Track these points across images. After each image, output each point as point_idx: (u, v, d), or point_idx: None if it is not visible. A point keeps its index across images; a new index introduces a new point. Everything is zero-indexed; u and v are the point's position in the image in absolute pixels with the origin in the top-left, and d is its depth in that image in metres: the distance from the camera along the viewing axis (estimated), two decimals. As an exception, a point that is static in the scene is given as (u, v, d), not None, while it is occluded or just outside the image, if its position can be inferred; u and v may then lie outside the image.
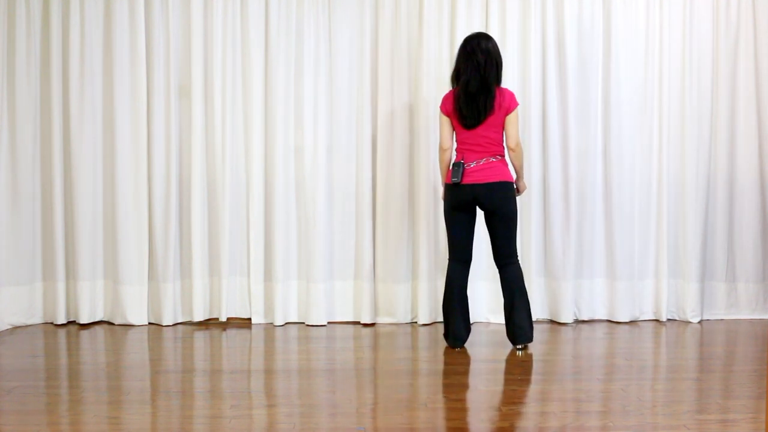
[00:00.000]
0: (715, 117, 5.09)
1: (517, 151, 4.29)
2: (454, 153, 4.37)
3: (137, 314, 4.96)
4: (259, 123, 4.96)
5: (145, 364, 4.14)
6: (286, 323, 5.00)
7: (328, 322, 4.98)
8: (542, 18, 5.01)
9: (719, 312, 5.16)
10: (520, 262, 4.40)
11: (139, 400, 3.43)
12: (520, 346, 4.30)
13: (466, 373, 3.91)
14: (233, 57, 4.97)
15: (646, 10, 5.04)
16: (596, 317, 5.10)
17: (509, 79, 4.98)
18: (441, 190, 4.52)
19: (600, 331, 4.84)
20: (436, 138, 4.99)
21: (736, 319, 5.12)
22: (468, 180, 4.22)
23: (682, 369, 4.00)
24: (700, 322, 5.05)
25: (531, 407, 3.35)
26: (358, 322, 5.01)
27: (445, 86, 4.97)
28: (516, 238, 4.35)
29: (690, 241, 5.04)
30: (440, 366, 4.07)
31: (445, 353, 4.32)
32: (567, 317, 4.99)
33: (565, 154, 5.00)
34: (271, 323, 4.98)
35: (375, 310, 5.00)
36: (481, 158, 4.23)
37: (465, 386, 3.69)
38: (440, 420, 3.20)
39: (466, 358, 4.24)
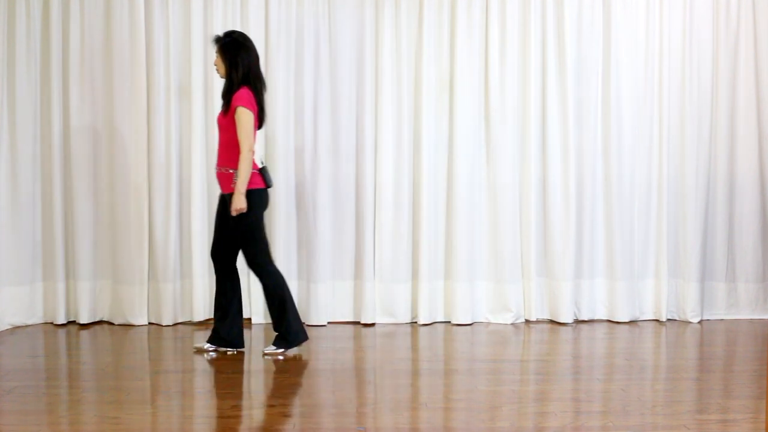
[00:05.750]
0: (715, 117, 5.09)
1: None
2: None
3: (137, 314, 4.95)
4: (259, 123, 4.96)
5: (145, 364, 4.14)
6: (286, 323, 5.00)
7: (328, 322, 4.97)
8: (542, 18, 5.01)
9: (719, 312, 5.16)
10: None
11: (139, 400, 3.43)
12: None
13: (466, 373, 3.91)
14: (233, 57, 4.96)
15: (646, 10, 5.04)
16: (596, 317, 5.09)
17: (510, 79, 4.98)
18: (242, 200, 4.03)
19: (600, 331, 4.84)
20: (438, 138, 5.00)
21: (736, 319, 5.12)
22: None
23: (682, 369, 4.00)
24: (700, 322, 5.04)
25: (531, 407, 3.35)
26: (358, 322, 5.00)
27: (446, 86, 4.98)
28: None
29: (690, 241, 5.04)
30: (440, 366, 4.07)
31: (447, 353, 4.32)
32: (567, 317, 4.99)
33: (565, 154, 4.99)
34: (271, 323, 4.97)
35: (375, 310, 5.00)
36: None
37: (465, 386, 3.69)
38: (440, 420, 3.20)
39: (465, 358, 4.24)
